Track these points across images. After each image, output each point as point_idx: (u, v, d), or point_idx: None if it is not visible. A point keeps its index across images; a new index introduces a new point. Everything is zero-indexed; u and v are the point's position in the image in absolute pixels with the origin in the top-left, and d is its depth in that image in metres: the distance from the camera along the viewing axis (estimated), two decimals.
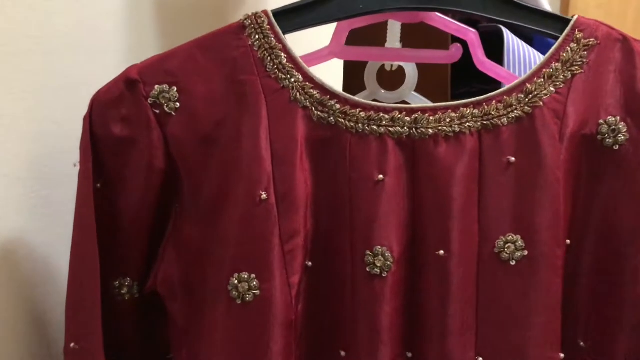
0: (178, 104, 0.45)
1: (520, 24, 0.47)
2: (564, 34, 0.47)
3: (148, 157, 0.45)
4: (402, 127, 0.45)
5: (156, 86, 0.45)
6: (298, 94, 0.45)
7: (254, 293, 0.44)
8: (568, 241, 0.47)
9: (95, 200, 0.45)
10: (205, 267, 0.46)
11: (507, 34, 0.55)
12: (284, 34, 0.46)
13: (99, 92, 0.45)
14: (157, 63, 0.46)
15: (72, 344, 0.45)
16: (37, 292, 0.52)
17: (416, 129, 0.45)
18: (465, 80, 0.60)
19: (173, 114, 0.45)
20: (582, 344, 0.48)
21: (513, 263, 0.45)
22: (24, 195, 0.49)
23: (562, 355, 0.46)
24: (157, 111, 0.45)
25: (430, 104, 0.46)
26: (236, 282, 0.44)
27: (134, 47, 0.61)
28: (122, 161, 0.45)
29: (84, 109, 0.45)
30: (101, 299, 0.45)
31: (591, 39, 0.46)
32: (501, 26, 0.55)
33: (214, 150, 0.45)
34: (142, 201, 0.46)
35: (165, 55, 0.47)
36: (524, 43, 0.55)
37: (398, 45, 0.51)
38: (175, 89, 0.45)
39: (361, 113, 0.45)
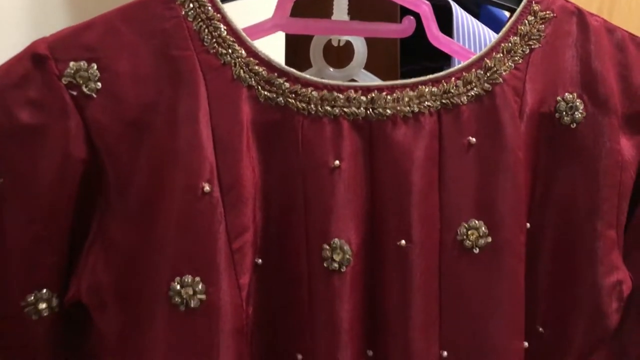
0: (99, 84, 0.38)
1: None
2: (521, 5, 0.44)
3: (64, 146, 0.38)
4: (358, 108, 0.41)
5: (71, 63, 0.38)
6: (242, 71, 0.40)
7: (199, 298, 0.38)
8: (528, 225, 0.45)
9: None
10: (139, 272, 0.40)
11: (456, 9, 0.52)
12: (223, 2, 0.41)
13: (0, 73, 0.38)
14: (71, 36, 0.39)
15: None
16: None
17: (373, 109, 0.41)
18: (410, 57, 0.57)
19: (94, 95, 0.38)
20: (541, 329, 0.47)
21: (477, 251, 0.43)
22: None
23: (526, 344, 0.44)
24: (74, 93, 0.38)
25: (386, 82, 0.43)
26: (178, 287, 0.38)
27: (39, 22, 0.53)
28: (31, 152, 0.38)
29: None
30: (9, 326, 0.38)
31: (548, 12, 0.44)
32: (450, 0, 0.52)
33: (144, 137, 0.39)
34: (57, 198, 0.39)
35: (80, 27, 0.40)
36: (472, 18, 0.53)
37: (346, 17, 0.47)
38: (95, 66, 0.38)
39: (313, 92, 0.41)
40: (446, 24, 0.53)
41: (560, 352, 0.47)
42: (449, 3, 0.53)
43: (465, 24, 0.52)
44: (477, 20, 0.53)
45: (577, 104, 0.44)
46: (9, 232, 0.39)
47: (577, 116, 0.44)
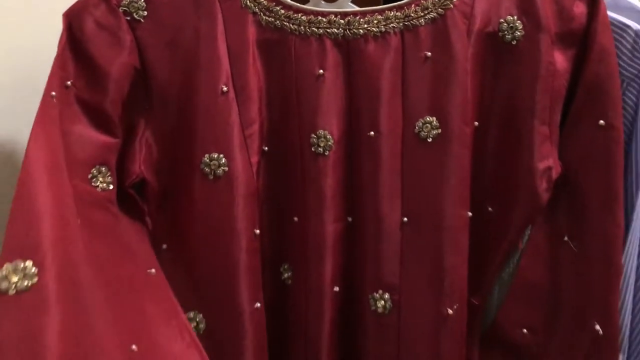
0: (145, 12, 0.53)
1: None
2: None
3: (123, 52, 0.52)
4: (338, 29, 0.54)
5: None
6: (248, 1, 0.53)
7: (222, 169, 0.53)
8: (476, 123, 0.57)
9: (66, 95, 0.51)
10: (179, 151, 0.55)
11: None
12: None
13: (73, 6, 0.52)
14: None
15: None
16: None
17: (349, 29, 0.54)
18: None
19: (142, 20, 0.53)
20: (490, 209, 0.60)
21: (430, 140, 0.55)
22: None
23: (469, 213, 0.57)
24: (128, 18, 0.52)
25: (360, 9, 0.55)
26: (207, 160, 0.53)
27: None
28: (99, 54, 0.51)
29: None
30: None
31: None
32: None
33: (177, 52, 0.53)
34: (117, 88, 0.52)
35: None
36: None
37: None
38: (143, 0, 0.52)
39: (302, 17, 0.54)
40: None
41: (504, 225, 0.59)
42: None
43: None
44: None
45: (517, 24, 0.55)
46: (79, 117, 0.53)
47: (517, 34, 0.55)
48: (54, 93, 0.49)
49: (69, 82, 0.51)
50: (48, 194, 0.45)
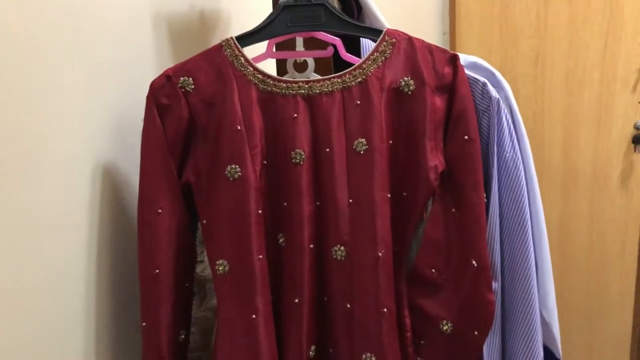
0: (193, 86, 0.92)
1: (358, 34, 0.94)
2: (380, 38, 0.94)
3: (180, 112, 0.91)
4: (304, 90, 0.93)
5: (181, 78, 0.91)
6: (251, 77, 0.92)
7: (239, 174, 0.91)
8: (390, 141, 0.95)
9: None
10: (211, 166, 0.92)
11: (363, 39, 1.02)
12: (243, 47, 0.93)
13: (153, 82, 0.91)
14: (180, 65, 0.93)
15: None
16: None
17: (311, 90, 0.93)
18: (337, 64, 1.07)
19: (191, 91, 0.92)
20: (404, 194, 0.96)
21: (362, 153, 0.92)
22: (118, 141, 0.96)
23: (389, 195, 0.94)
24: (183, 90, 0.91)
25: (316, 77, 0.94)
26: (229, 169, 0.91)
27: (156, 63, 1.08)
28: (167, 113, 0.91)
29: (142, 95, 0.92)
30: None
31: (393, 39, 0.94)
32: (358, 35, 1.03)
33: (211, 107, 0.92)
34: (177, 132, 0.92)
35: (184, 62, 0.93)
36: (369, 41, 1.02)
37: (302, 48, 0.98)
38: (191, 79, 0.92)
39: (283, 84, 0.92)
40: (357, 44, 1.03)
41: (413, 203, 0.95)
42: (358, 37, 1.03)
43: (365, 45, 1.02)
44: (370, 42, 1.03)
45: (410, 82, 0.93)
46: (150, 156, 0.92)
47: (411, 88, 0.93)
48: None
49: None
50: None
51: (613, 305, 1.81)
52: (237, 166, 0.90)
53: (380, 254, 0.91)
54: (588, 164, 1.74)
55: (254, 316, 0.90)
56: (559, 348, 1.02)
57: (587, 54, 1.66)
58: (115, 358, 0.99)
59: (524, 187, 0.96)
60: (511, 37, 1.72)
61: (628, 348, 1.82)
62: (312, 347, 0.95)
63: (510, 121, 0.97)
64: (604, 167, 1.74)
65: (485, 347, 0.97)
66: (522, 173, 0.96)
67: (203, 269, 0.99)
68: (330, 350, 0.97)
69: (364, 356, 0.92)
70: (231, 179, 0.91)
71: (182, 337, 0.97)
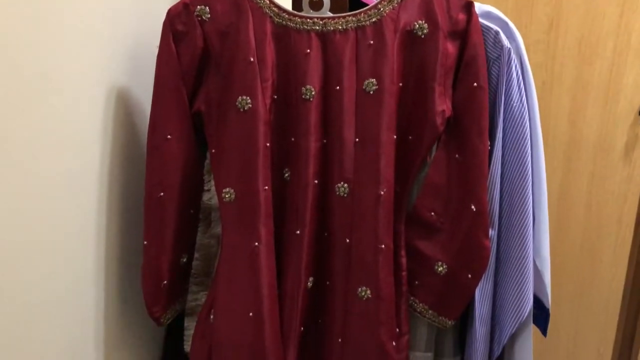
0: (209, 15, 0.93)
1: None
2: None
3: (195, 40, 0.92)
4: (318, 27, 0.94)
5: (198, 6, 0.92)
6: (267, 10, 0.93)
7: (249, 106, 0.92)
8: (400, 84, 0.96)
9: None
10: (223, 96, 0.94)
11: None
12: None
13: (170, 9, 0.92)
14: None
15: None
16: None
17: (325, 27, 0.94)
18: (352, 6, 1.07)
19: (207, 20, 0.93)
20: (410, 137, 0.98)
21: (372, 93, 0.94)
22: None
23: (395, 136, 0.95)
24: (199, 19, 0.92)
25: (331, 15, 0.95)
26: (240, 100, 0.92)
27: None
28: (182, 41, 0.92)
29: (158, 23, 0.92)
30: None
31: None
32: None
33: (226, 38, 0.93)
34: (191, 61, 0.93)
35: None
36: None
37: None
38: (207, 8, 0.92)
39: (298, 19, 0.93)
40: None
41: (418, 147, 0.97)
42: None
43: None
44: None
45: (424, 26, 0.94)
46: (163, 82, 0.93)
47: (424, 32, 0.94)
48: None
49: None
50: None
51: (605, 274, 1.84)
52: (248, 98, 0.92)
53: (382, 193, 0.93)
54: (593, 134, 1.75)
55: (256, 244, 0.93)
56: (548, 298, 1.05)
57: (603, 22, 1.65)
58: (123, 271, 1.02)
59: (528, 138, 0.98)
60: (526, 1, 1.71)
61: (616, 318, 1.86)
62: (310, 279, 0.98)
63: (519, 72, 0.98)
64: (609, 138, 1.75)
65: (477, 291, 1.00)
66: (527, 124, 0.98)
67: (209, 197, 1.01)
68: (327, 282, 1.00)
69: (359, 289, 0.95)
70: (241, 110, 0.92)
71: (184, 260, 1.00)
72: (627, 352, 1.85)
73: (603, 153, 1.76)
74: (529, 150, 0.98)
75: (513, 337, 1.05)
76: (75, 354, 0.95)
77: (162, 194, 0.95)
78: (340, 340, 0.98)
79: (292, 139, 0.96)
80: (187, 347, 1.04)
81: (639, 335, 1.82)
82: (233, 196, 0.93)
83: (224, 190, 0.94)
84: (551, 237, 1.06)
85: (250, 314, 0.93)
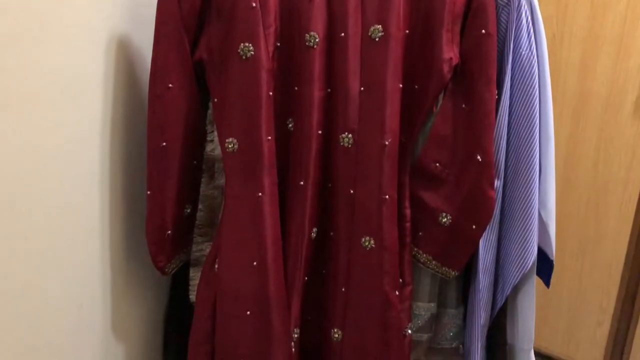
0: None
1: None
2: None
3: None
4: None
5: None
6: None
7: (251, 53, 0.90)
8: (407, 31, 0.93)
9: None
10: (224, 42, 0.92)
11: None
12: None
13: None
14: None
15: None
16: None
17: None
18: None
19: None
20: (416, 86, 0.96)
21: (377, 40, 0.92)
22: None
23: (401, 85, 0.93)
24: None
25: None
26: (242, 47, 0.90)
27: None
28: None
29: None
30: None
31: None
32: None
33: None
34: (192, 8, 0.90)
35: None
36: None
37: None
38: None
39: None
40: None
41: (425, 96, 0.95)
42: None
43: None
44: None
45: None
46: (164, 29, 0.91)
47: None
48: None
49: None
50: None
51: (610, 232, 1.83)
52: (250, 45, 0.90)
53: (386, 143, 0.92)
54: (603, 88, 1.72)
55: (260, 194, 0.92)
56: (552, 249, 1.04)
57: None
58: (128, 220, 1.03)
59: (536, 87, 0.96)
60: None
61: (619, 276, 1.86)
62: (314, 230, 0.98)
63: (529, 19, 0.95)
64: (619, 93, 1.71)
65: (481, 242, 1.00)
66: (536, 73, 0.95)
67: (213, 148, 1.00)
68: (331, 233, 1.00)
69: (363, 239, 0.95)
70: (244, 57, 0.90)
71: (188, 211, 1.00)
72: (629, 307, 1.86)
73: (613, 108, 1.73)
74: (537, 100, 0.96)
75: (516, 288, 1.05)
76: (82, 303, 0.97)
77: (164, 143, 0.94)
78: (343, 289, 0.99)
79: (296, 88, 0.95)
80: (193, 296, 1.05)
81: None
82: (236, 146, 0.92)
83: (226, 141, 0.93)
84: (557, 193, 1.05)
85: (255, 263, 0.93)
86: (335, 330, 1.01)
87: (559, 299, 1.89)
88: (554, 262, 1.07)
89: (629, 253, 1.82)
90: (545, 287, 1.11)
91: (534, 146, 0.98)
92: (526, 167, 0.98)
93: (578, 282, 1.89)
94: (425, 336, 1.06)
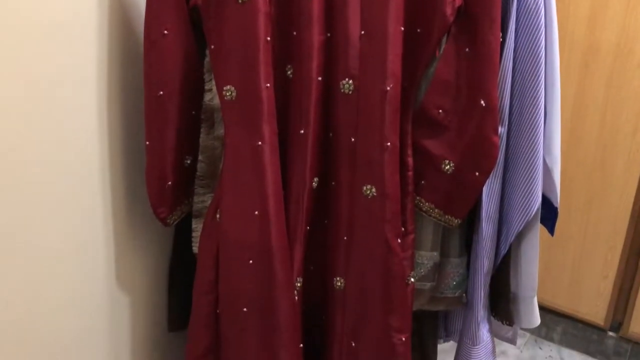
0: None
1: None
2: None
3: None
4: None
5: None
6: None
7: None
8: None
9: None
10: None
11: None
12: None
13: None
14: None
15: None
16: None
17: None
18: None
19: None
20: (418, 30, 0.92)
21: None
22: None
23: (402, 28, 0.91)
24: None
25: None
26: None
27: None
28: None
29: None
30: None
31: None
32: None
33: None
34: None
35: None
36: None
37: None
38: None
39: None
40: None
41: (427, 40, 0.91)
42: None
43: None
44: None
45: None
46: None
47: None
48: None
49: None
50: None
51: (616, 184, 1.82)
52: None
53: (388, 89, 0.90)
54: (612, 37, 1.68)
55: (259, 143, 0.91)
56: (557, 196, 1.03)
57: None
58: (129, 171, 1.02)
59: (542, 30, 0.93)
60: None
61: (625, 227, 1.85)
62: (315, 179, 0.97)
63: None
64: (629, 42, 1.67)
65: (484, 189, 0.99)
66: (543, 14, 0.92)
67: (211, 97, 0.99)
68: (333, 183, 0.99)
69: (364, 187, 0.94)
70: (240, 1, 0.88)
71: (188, 162, 0.99)
72: (635, 260, 1.86)
73: (622, 58, 1.69)
74: (543, 43, 0.93)
75: (520, 236, 1.04)
76: (86, 253, 0.97)
77: (161, 92, 0.93)
78: (345, 238, 0.99)
79: (294, 33, 0.92)
80: (196, 248, 1.05)
81: None
82: (234, 94, 0.91)
83: (224, 88, 0.91)
84: (564, 145, 1.03)
85: (256, 212, 0.93)
86: (338, 278, 1.01)
87: (563, 252, 1.89)
88: (559, 211, 1.07)
89: (635, 206, 1.80)
90: (550, 242, 1.10)
91: (539, 91, 0.95)
92: (531, 112, 0.96)
93: (583, 235, 1.88)
94: (428, 285, 1.06)
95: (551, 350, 1.97)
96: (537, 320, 1.09)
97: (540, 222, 1.06)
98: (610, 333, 1.95)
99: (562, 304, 1.96)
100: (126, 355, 1.12)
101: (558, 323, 1.99)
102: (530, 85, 0.95)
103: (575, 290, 1.94)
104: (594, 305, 1.93)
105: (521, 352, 1.92)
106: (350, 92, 0.92)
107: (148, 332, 1.16)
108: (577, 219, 1.86)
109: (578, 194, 1.83)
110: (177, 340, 1.19)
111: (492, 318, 1.12)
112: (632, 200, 1.80)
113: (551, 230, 1.08)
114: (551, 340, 2.00)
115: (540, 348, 1.97)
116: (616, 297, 1.90)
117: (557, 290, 1.95)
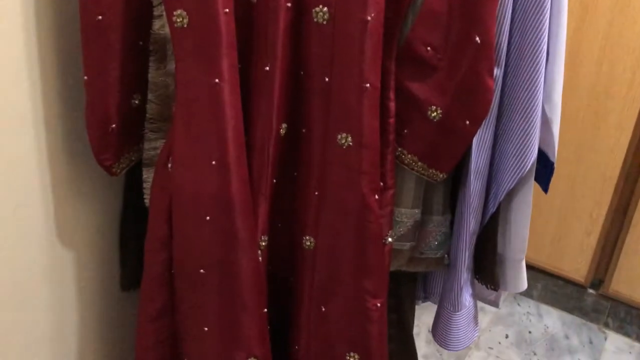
0: None
1: None
2: None
3: None
4: None
5: None
6: None
7: None
8: None
9: None
10: None
11: None
12: None
13: None
14: None
15: None
16: None
17: None
18: None
19: None
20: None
21: None
22: None
23: None
24: None
25: None
26: None
27: None
28: None
29: None
30: None
31: None
32: None
33: None
34: None
35: None
36: None
37: None
38: None
39: None
40: None
41: None
42: None
43: None
44: None
45: None
46: None
47: None
48: None
49: None
50: None
51: (608, 137, 1.73)
52: None
53: (369, 18, 0.77)
54: None
55: (217, 80, 0.77)
56: (555, 150, 0.93)
57: None
58: (67, 111, 0.89)
59: None
60: None
61: (614, 183, 1.78)
62: (283, 125, 0.85)
63: None
64: None
65: (474, 140, 0.87)
66: None
67: (161, 25, 0.84)
68: (303, 130, 0.87)
69: (339, 136, 0.82)
70: None
71: (136, 102, 0.86)
72: (621, 218, 1.80)
73: (622, 3, 1.57)
74: None
75: (511, 193, 0.94)
76: (19, 205, 0.85)
77: (100, 17, 0.78)
78: (317, 193, 0.87)
79: None
80: (147, 200, 0.93)
81: (634, 203, 1.75)
82: (186, 20, 0.76)
83: (174, 13, 0.76)
84: None
85: (213, 161, 0.80)
86: (308, 237, 0.90)
87: (549, 208, 1.82)
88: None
89: (625, 162, 1.72)
90: (535, 196, 0.99)
91: (542, 29, 0.83)
92: (532, 51, 0.83)
93: (570, 190, 1.80)
94: (407, 245, 0.96)
95: (529, 306, 1.93)
96: (524, 284, 1.01)
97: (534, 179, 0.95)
98: (590, 290, 1.91)
99: (544, 260, 1.90)
100: (73, 316, 1.02)
101: (538, 279, 1.94)
102: (533, 21, 0.82)
103: (558, 247, 1.88)
104: (575, 262, 1.88)
105: (499, 308, 1.86)
106: (325, 22, 0.79)
107: (98, 291, 1.05)
108: (565, 173, 1.77)
109: (568, 146, 1.73)
110: (133, 299, 1.09)
111: (475, 281, 1.03)
112: (622, 156, 1.72)
113: (545, 187, 0.98)
114: (530, 296, 1.96)
115: (518, 304, 1.93)
116: (599, 254, 1.84)
117: (540, 246, 1.88)
